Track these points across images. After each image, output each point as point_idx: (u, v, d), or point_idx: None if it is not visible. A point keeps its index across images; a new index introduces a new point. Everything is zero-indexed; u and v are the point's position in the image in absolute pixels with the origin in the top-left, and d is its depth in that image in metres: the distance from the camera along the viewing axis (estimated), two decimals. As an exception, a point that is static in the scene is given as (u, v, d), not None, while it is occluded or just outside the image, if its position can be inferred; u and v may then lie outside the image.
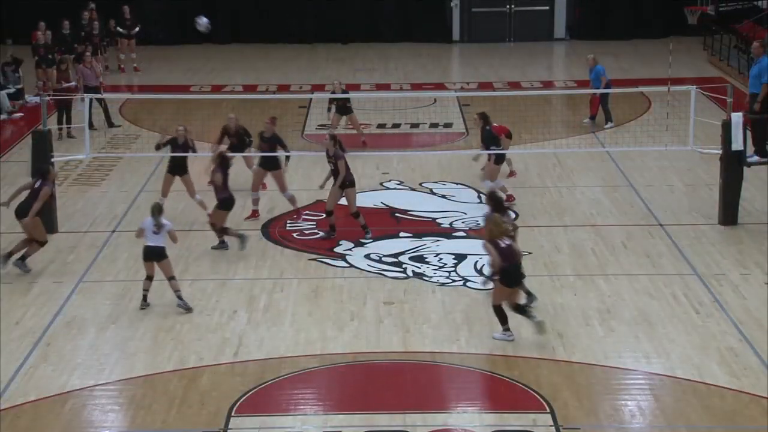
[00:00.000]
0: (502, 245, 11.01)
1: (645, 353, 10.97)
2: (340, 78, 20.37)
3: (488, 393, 10.37)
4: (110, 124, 19.85)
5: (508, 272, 10.98)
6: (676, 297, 12.33)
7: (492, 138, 15.30)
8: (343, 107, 18.25)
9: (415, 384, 10.45)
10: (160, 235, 11.93)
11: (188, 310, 11.99)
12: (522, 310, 11.20)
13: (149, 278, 12.05)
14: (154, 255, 11.94)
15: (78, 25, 23.32)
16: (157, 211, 12.02)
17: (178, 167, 14.83)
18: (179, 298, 12.03)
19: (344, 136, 18.55)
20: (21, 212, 13.09)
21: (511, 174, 16.51)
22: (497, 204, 12.01)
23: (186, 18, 28.07)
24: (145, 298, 12.11)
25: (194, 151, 14.97)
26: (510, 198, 15.20)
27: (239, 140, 15.63)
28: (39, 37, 21.84)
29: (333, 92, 18.35)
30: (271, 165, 14.95)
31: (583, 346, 11.11)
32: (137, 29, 25.18)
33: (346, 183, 13.97)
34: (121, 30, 25.06)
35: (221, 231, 13.70)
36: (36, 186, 13.27)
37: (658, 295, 12.39)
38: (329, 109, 18.29)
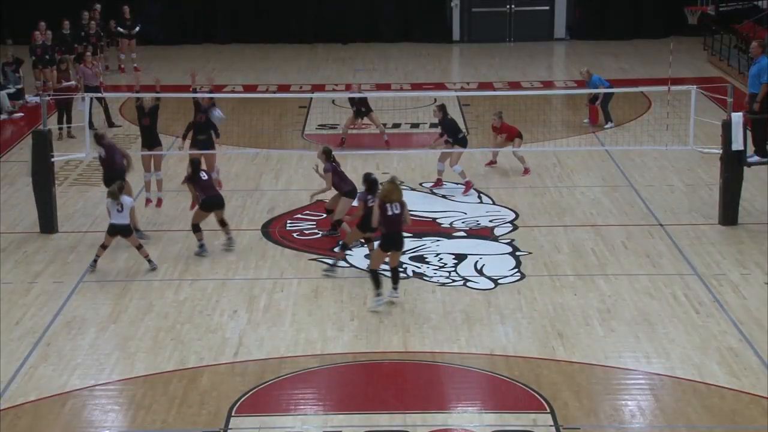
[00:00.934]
0: (390, 212, 11.76)
1: (645, 353, 10.97)
2: (341, 77, 20.32)
3: (488, 393, 10.36)
4: (110, 124, 19.85)
5: (388, 237, 11.82)
6: (676, 297, 12.33)
7: (454, 127, 16.06)
8: (359, 110, 18.09)
9: (416, 384, 10.46)
10: (123, 213, 12.86)
11: (153, 269, 13.01)
12: (376, 276, 11.88)
13: (104, 247, 13.14)
14: (119, 231, 12.96)
15: (78, 25, 23.30)
16: (113, 194, 12.80)
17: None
18: (149, 261, 13.08)
19: (365, 136, 18.66)
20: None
21: (526, 171, 16.82)
22: (371, 185, 12.49)
23: (186, 18, 28.15)
24: (95, 262, 13.11)
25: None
26: (468, 185, 15.97)
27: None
28: (37, 37, 21.84)
29: (352, 93, 18.16)
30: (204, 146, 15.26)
31: (584, 346, 11.11)
32: (137, 29, 25.18)
33: (344, 192, 13.87)
34: (121, 30, 25.07)
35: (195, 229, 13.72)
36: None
37: (658, 295, 12.39)
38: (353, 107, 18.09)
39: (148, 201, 15.27)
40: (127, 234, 13.02)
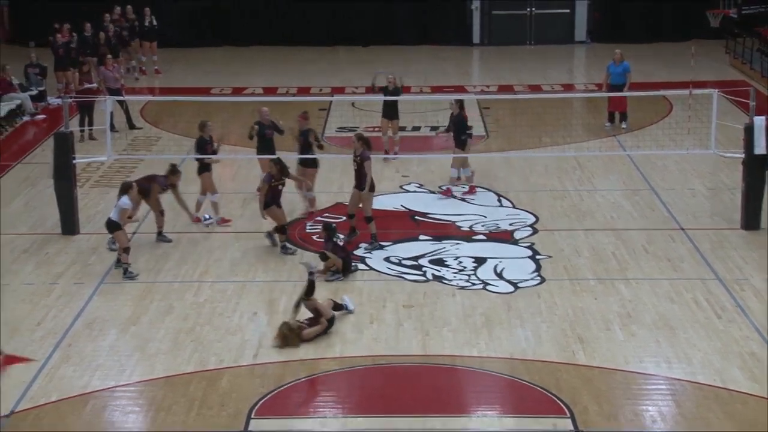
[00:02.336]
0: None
1: (666, 358, 10.91)
2: (360, 80, 20.14)
3: (508, 397, 10.33)
4: (131, 126, 19.94)
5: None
6: (697, 301, 12.26)
7: (462, 126, 15.85)
8: (390, 110, 17.57)
9: (435, 388, 10.44)
10: (114, 210, 13.12)
11: (129, 277, 13.00)
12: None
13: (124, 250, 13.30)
14: (106, 225, 13.27)
15: (100, 27, 23.43)
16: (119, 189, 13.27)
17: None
18: (125, 270, 13.07)
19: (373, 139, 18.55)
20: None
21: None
22: (283, 169, 13.61)
23: (205, 20, 28.20)
24: (118, 262, 13.29)
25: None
26: (472, 189, 15.97)
27: (275, 130, 15.66)
28: (59, 39, 21.98)
29: (386, 87, 17.73)
30: (309, 162, 15.09)
31: (604, 351, 11.06)
32: (155, 26, 25.19)
33: (362, 186, 13.87)
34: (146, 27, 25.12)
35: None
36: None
37: (680, 299, 12.33)
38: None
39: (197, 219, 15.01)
40: (110, 230, 13.21)
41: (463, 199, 16.02)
